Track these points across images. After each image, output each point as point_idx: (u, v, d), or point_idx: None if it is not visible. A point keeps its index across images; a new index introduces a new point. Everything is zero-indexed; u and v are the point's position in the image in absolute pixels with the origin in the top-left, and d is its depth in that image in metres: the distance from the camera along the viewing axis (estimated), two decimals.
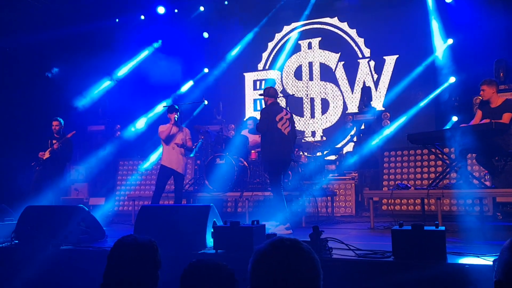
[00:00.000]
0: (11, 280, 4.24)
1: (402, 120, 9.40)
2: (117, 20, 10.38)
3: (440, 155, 6.32)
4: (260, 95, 6.18)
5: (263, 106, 6.03)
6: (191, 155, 9.13)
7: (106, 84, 10.41)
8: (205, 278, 1.93)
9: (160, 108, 9.87)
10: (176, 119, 6.75)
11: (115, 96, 10.37)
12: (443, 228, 3.37)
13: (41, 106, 8.84)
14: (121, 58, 10.65)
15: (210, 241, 4.36)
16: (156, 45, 11.13)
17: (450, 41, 9.37)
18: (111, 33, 10.18)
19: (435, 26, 9.53)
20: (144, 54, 11.02)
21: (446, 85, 9.29)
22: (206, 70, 11.56)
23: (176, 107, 6.92)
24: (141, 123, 10.42)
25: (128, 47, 10.51)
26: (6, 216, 5.51)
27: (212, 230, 4.34)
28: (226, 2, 10.82)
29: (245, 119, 10.98)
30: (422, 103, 9.51)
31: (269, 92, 5.98)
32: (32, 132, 8.52)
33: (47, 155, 7.31)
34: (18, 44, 8.74)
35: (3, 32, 8.44)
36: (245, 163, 7.42)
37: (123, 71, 10.74)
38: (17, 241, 4.85)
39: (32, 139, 8.12)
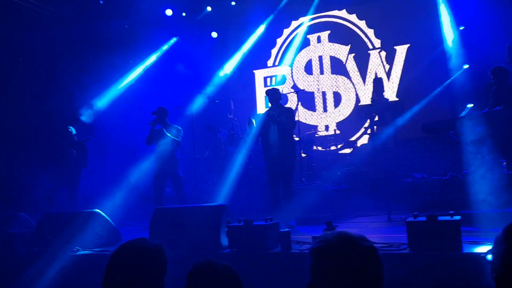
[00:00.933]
0: (31, 286, 4.31)
1: (416, 109, 9.25)
2: (126, 26, 10.43)
3: (455, 144, 6.21)
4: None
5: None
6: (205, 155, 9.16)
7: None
8: (209, 279, 1.92)
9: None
10: (155, 121, 6.76)
11: (127, 98, 10.42)
12: (458, 217, 3.31)
13: (57, 113, 8.94)
14: (131, 61, 10.72)
15: (225, 241, 4.37)
16: (172, 41, 11.14)
17: (461, 27, 9.19)
18: (121, 35, 10.25)
19: (445, 13, 9.36)
20: (154, 56, 11.06)
21: (459, 72, 9.12)
22: (216, 69, 11.56)
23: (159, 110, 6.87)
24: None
25: (138, 49, 10.57)
26: (25, 224, 5.59)
27: (226, 229, 4.34)
28: (233, 3, 10.82)
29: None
30: (436, 92, 9.35)
31: None
32: (48, 140, 8.62)
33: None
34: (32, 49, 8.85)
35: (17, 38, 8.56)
36: None
37: (136, 72, 10.80)
38: (36, 248, 4.94)
39: (49, 146, 8.21)
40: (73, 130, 7.61)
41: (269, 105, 6.48)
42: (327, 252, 1.31)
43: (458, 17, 9.17)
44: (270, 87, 6.38)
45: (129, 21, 10.44)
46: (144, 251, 1.96)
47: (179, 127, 6.91)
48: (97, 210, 5.22)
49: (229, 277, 1.94)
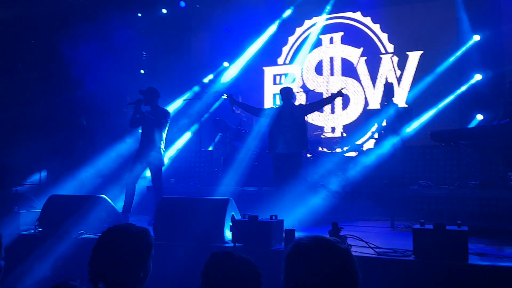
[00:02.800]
0: (34, 267, 4.34)
1: (425, 117, 9.23)
2: (139, 14, 10.42)
3: (464, 154, 6.19)
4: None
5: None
6: (210, 149, 9.17)
7: None
8: (230, 270, 1.92)
9: (180, 101, 9.92)
10: (139, 101, 6.18)
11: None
12: (465, 228, 3.30)
13: (65, 97, 8.98)
14: (144, 52, 10.72)
15: (228, 235, 4.38)
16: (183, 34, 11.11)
17: (477, 37, 9.15)
18: (131, 27, 10.26)
19: (462, 21, 9.32)
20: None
21: (471, 82, 9.09)
22: (226, 64, 11.54)
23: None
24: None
25: (148, 41, 10.57)
26: (31, 205, 5.63)
27: (231, 223, 4.35)
28: None
29: None
30: (446, 100, 9.31)
31: None
32: (58, 123, 8.67)
33: None
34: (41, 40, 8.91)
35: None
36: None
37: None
38: (40, 229, 4.96)
39: (56, 129, 8.27)
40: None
41: (279, 103, 6.47)
42: (304, 254, 1.31)
43: (475, 26, 9.13)
44: (285, 86, 6.34)
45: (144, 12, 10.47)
46: (129, 233, 2.05)
47: (168, 111, 6.41)
48: (103, 195, 5.24)
49: (248, 268, 1.95)
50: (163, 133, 6.22)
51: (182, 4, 10.58)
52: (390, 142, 8.52)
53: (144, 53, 10.80)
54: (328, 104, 6.95)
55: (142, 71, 10.94)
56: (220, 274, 1.92)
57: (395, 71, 10.32)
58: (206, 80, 11.41)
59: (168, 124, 6.33)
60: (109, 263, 1.97)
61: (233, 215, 4.62)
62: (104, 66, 9.15)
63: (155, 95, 6.28)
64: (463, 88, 9.14)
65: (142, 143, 6.18)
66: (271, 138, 6.15)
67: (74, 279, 1.52)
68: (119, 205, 5.73)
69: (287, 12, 11.08)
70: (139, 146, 6.22)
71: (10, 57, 8.90)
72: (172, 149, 9.61)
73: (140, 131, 6.38)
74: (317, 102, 6.38)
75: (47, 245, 4.53)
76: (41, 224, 4.99)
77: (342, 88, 6.10)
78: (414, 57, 10.12)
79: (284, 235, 4.09)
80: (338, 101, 10.63)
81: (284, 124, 6.03)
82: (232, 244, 4.23)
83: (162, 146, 6.20)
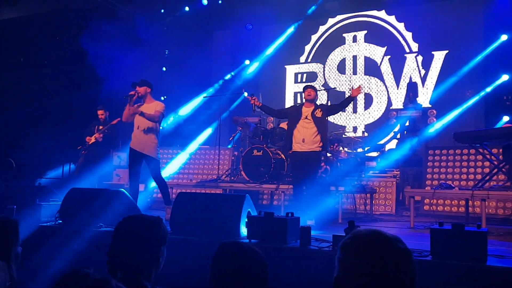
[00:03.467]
0: (53, 258, 4.42)
1: (449, 117, 9.05)
2: (162, 10, 10.52)
3: (487, 155, 6.04)
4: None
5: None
6: (229, 146, 9.19)
7: None
8: (237, 259, 1.93)
9: (200, 98, 9.99)
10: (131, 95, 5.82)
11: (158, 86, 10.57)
12: (485, 229, 3.22)
13: (87, 92, 9.14)
14: (165, 49, 10.83)
15: (244, 231, 4.38)
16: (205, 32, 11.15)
17: (504, 37, 8.93)
18: (154, 24, 10.38)
19: (488, 21, 9.10)
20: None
21: (497, 82, 8.87)
22: (247, 62, 11.55)
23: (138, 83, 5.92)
24: (183, 112, 10.57)
25: (170, 38, 10.67)
26: (52, 197, 5.74)
27: (246, 219, 4.35)
28: None
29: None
30: (471, 101, 9.11)
31: None
32: (78, 117, 8.84)
33: (93, 140, 7.56)
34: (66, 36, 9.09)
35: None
36: (283, 156, 7.38)
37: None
38: (60, 221, 5.06)
39: (78, 124, 8.43)
40: (105, 108, 7.76)
41: (300, 101, 6.43)
42: (359, 247, 1.28)
43: (501, 25, 8.90)
44: (309, 84, 6.31)
45: (167, 9, 10.56)
46: (144, 222, 2.13)
47: (162, 103, 6.03)
48: (122, 189, 5.30)
49: (255, 257, 1.96)
50: (158, 127, 5.95)
51: (204, 1, 10.62)
52: (413, 143, 8.41)
53: (166, 51, 10.89)
54: (348, 105, 6.81)
55: (164, 69, 11.04)
56: (228, 262, 1.94)
57: (419, 70, 10.15)
58: (227, 77, 11.45)
59: (163, 117, 6.04)
60: (126, 250, 2.03)
61: (249, 211, 4.61)
62: (127, 62, 9.28)
63: (150, 88, 5.97)
64: (489, 89, 8.93)
65: (136, 138, 5.88)
66: (291, 137, 6.11)
67: (88, 267, 1.54)
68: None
69: (310, 10, 11.01)
70: (134, 142, 5.89)
71: (34, 53, 9.12)
72: (192, 145, 9.70)
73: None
74: (338, 104, 6.30)
75: (66, 237, 4.61)
76: (61, 216, 5.07)
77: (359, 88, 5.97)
78: (439, 56, 9.93)
79: (300, 232, 4.06)
80: (361, 100, 10.53)
81: (303, 124, 5.99)
82: (247, 240, 4.23)
83: (157, 139, 5.92)
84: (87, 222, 4.73)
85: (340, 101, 6.26)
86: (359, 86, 6.00)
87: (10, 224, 2.52)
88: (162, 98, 10.24)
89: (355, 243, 1.30)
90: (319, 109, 6.01)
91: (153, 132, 5.85)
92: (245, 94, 8.75)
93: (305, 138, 5.92)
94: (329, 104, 7.85)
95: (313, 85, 6.71)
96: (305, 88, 6.17)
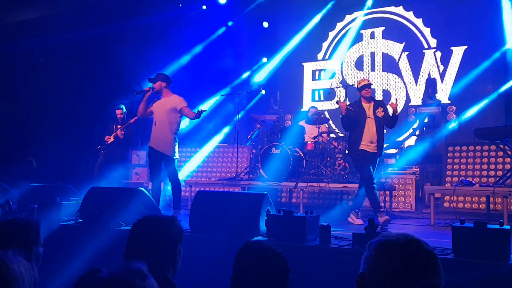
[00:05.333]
0: (74, 256, 4.48)
1: (468, 114, 8.91)
2: (180, 5, 10.57)
3: (508, 152, 5.94)
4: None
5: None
6: (247, 144, 9.21)
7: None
8: (259, 259, 1.96)
9: (218, 96, 10.01)
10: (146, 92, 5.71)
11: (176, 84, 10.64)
12: (507, 227, 3.17)
13: (107, 92, 9.25)
14: (182, 47, 10.86)
15: (263, 229, 4.39)
16: (221, 30, 11.19)
17: None
18: (172, 23, 10.42)
19: (508, 15, 8.91)
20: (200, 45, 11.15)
21: None
22: (264, 59, 11.54)
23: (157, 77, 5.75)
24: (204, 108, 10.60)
25: (188, 37, 10.69)
26: (72, 196, 5.82)
27: (266, 218, 4.36)
28: None
29: (303, 109, 10.92)
30: (491, 97, 8.95)
31: None
32: (98, 116, 8.95)
33: (111, 139, 7.66)
34: (86, 36, 9.21)
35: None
36: (301, 153, 7.37)
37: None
38: (81, 220, 5.13)
39: (98, 123, 8.54)
40: (123, 108, 7.84)
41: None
42: (390, 247, 1.30)
43: None
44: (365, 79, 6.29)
45: (182, 7, 10.60)
46: (160, 221, 2.17)
47: (182, 97, 5.74)
48: (141, 188, 5.35)
49: (277, 258, 1.98)
50: (176, 123, 5.71)
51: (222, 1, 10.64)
52: (432, 139, 8.30)
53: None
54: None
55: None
56: (250, 260, 1.97)
57: (438, 66, 10.01)
58: (245, 75, 11.46)
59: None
60: (144, 249, 2.06)
61: (268, 209, 4.62)
62: (146, 60, 9.41)
63: (167, 82, 5.75)
64: (509, 84, 8.76)
65: (154, 136, 5.71)
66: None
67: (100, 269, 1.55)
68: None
69: (328, 7, 10.94)
70: (152, 140, 5.73)
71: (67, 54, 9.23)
72: (210, 143, 9.74)
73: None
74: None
75: (86, 235, 4.68)
76: (81, 215, 5.14)
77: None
78: (458, 52, 9.78)
79: (319, 230, 4.05)
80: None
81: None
82: (267, 239, 4.24)
83: (175, 137, 5.69)
84: (107, 220, 4.79)
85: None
86: (396, 100, 6.01)
87: (33, 225, 2.56)
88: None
89: (387, 242, 1.32)
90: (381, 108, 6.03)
91: (170, 129, 5.62)
92: (263, 92, 8.75)
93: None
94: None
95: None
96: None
